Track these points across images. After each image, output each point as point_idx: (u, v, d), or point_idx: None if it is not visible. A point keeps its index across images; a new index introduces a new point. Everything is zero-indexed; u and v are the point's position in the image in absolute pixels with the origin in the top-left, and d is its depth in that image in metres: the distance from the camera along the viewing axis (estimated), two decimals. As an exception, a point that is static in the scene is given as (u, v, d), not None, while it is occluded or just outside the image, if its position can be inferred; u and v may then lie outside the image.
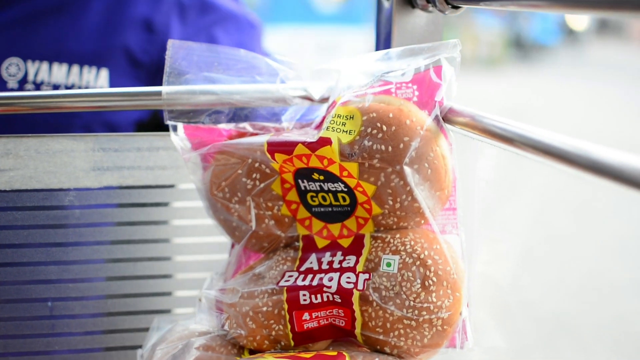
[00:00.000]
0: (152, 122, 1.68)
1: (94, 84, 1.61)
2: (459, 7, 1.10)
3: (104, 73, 1.61)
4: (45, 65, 1.58)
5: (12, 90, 1.58)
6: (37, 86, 1.59)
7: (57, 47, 1.61)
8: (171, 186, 1.27)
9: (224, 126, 1.15)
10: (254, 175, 1.09)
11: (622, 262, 4.93)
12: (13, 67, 1.57)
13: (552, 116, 10.75)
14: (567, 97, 12.55)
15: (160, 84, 1.12)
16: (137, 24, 1.65)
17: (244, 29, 1.77)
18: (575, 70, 16.12)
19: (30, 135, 1.21)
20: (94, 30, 1.62)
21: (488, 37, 17.88)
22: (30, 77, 1.58)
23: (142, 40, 1.64)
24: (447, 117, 1.05)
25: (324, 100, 1.15)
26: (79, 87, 1.60)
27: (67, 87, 1.60)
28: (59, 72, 1.58)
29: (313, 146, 1.02)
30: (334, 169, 1.03)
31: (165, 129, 1.15)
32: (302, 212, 1.09)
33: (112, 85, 1.62)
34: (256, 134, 1.12)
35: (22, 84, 1.59)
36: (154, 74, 1.65)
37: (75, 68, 1.59)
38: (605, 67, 17.76)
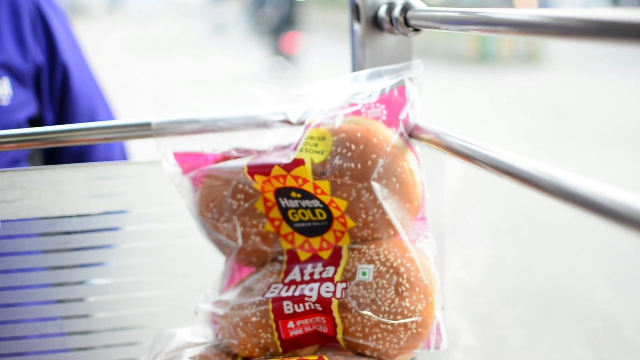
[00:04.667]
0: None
1: (1, 91, 1.75)
2: (420, 30, 1.17)
3: (6, 82, 1.76)
4: None
5: None
6: None
7: None
8: (165, 209, 1.34)
9: (210, 151, 1.23)
10: (238, 196, 1.17)
11: (589, 261, 5.01)
12: None
13: (594, 114, 10.46)
14: (613, 92, 12.15)
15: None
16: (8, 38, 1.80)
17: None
18: (612, 64, 15.62)
19: (32, 167, 1.30)
20: None
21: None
22: None
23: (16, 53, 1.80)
24: (413, 134, 1.12)
25: (301, 123, 1.22)
26: None
27: None
28: None
29: (288, 167, 1.10)
30: (309, 187, 1.10)
31: None
32: (285, 228, 1.17)
33: (13, 87, 1.77)
34: (239, 157, 1.20)
35: None
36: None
37: None
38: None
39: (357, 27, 1.25)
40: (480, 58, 16.29)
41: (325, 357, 1.09)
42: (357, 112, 1.14)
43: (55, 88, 1.87)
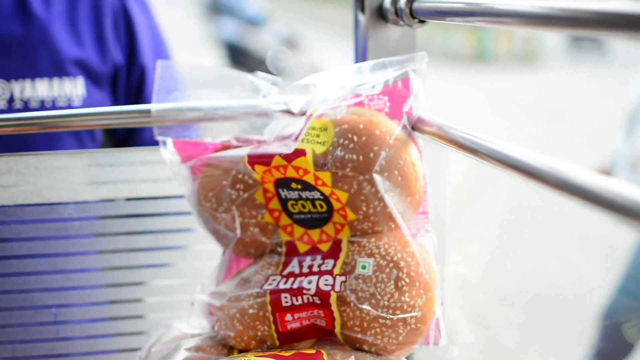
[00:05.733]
0: None
1: (75, 92, 1.70)
2: (425, 21, 1.15)
3: (80, 82, 1.71)
4: (28, 83, 1.66)
5: (1, 110, 1.66)
6: (25, 103, 1.67)
7: (33, 66, 1.68)
8: (164, 197, 1.33)
9: (210, 140, 1.21)
10: (237, 186, 1.15)
11: (590, 257, 5.00)
12: None
13: (591, 114, 10.43)
14: (611, 93, 12.10)
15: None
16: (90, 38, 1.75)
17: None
18: (608, 64, 15.65)
19: (30, 153, 1.28)
20: (61, 45, 1.71)
21: (523, 33, 17.66)
22: (17, 95, 1.66)
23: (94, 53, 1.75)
24: (416, 127, 1.11)
25: (303, 113, 1.21)
26: (64, 98, 1.69)
27: (53, 100, 1.69)
28: (41, 86, 1.67)
29: (289, 157, 1.09)
30: (309, 179, 1.09)
31: None
32: (284, 219, 1.16)
33: (88, 89, 1.72)
34: (240, 147, 1.19)
35: (10, 102, 1.67)
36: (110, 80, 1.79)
37: (55, 81, 1.67)
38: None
39: (362, 17, 1.24)
40: (477, 57, 16.28)
41: (322, 351, 1.07)
42: (360, 104, 1.12)
43: (130, 90, 1.83)
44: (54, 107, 1.68)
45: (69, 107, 1.69)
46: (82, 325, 1.35)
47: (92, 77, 1.73)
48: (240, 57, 10.22)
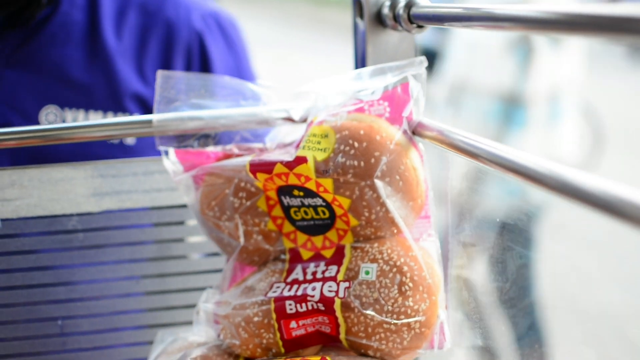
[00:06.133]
0: None
1: None
2: (424, 27, 1.16)
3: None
4: (82, 114, 1.61)
5: None
6: None
7: (91, 97, 1.64)
8: (168, 207, 1.34)
9: (212, 149, 1.22)
10: (240, 194, 1.16)
11: (595, 256, 5.00)
12: (51, 115, 1.60)
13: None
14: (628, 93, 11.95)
15: None
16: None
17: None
18: None
19: (32, 166, 1.29)
20: (123, 79, 1.66)
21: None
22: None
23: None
24: (416, 131, 1.11)
25: (304, 120, 1.21)
26: None
27: None
28: (94, 119, 1.61)
29: (290, 165, 1.09)
30: (311, 185, 1.09)
31: None
32: (287, 227, 1.16)
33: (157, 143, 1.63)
34: (242, 155, 1.19)
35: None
36: None
37: (110, 115, 1.62)
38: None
39: (360, 23, 1.24)
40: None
41: (328, 358, 1.08)
42: (360, 110, 1.12)
43: None
44: (103, 144, 1.61)
45: (121, 144, 1.62)
46: (88, 337, 1.36)
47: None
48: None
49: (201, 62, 1.71)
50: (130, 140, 1.62)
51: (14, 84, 1.62)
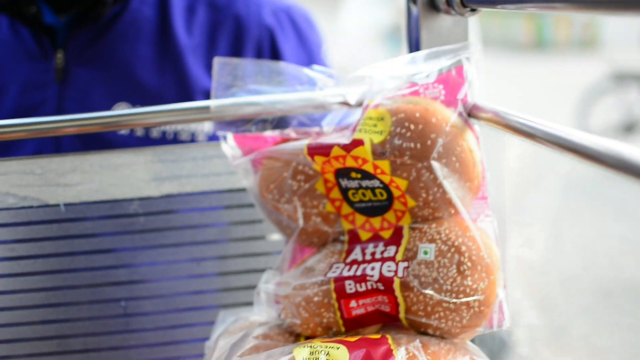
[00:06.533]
0: None
1: (200, 127, 1.64)
2: (477, 10, 1.17)
3: None
4: None
5: (122, 135, 1.62)
6: (147, 131, 1.62)
7: (161, 94, 1.65)
8: (227, 191, 1.36)
9: (269, 133, 1.24)
10: (298, 177, 1.18)
11: None
12: None
13: None
14: None
15: None
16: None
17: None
18: None
19: (93, 152, 1.32)
20: (193, 76, 1.67)
21: (582, 18, 17.38)
22: None
23: None
24: (471, 113, 1.12)
25: (359, 104, 1.23)
26: (187, 132, 1.63)
27: (175, 132, 1.63)
28: None
29: (347, 147, 1.11)
30: (368, 168, 1.11)
31: None
32: (346, 208, 1.18)
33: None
34: (299, 139, 1.21)
35: (132, 129, 1.62)
36: None
37: None
38: None
39: (414, 8, 1.26)
40: (537, 45, 16.10)
41: (387, 335, 1.10)
42: (415, 93, 1.14)
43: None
44: (175, 140, 1.63)
45: (192, 141, 1.63)
46: (151, 317, 1.39)
47: None
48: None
49: (272, 59, 1.71)
50: (200, 137, 1.64)
51: (85, 82, 1.64)
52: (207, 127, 1.64)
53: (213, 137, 1.63)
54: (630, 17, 0.77)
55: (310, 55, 1.77)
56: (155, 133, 1.62)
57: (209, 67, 1.67)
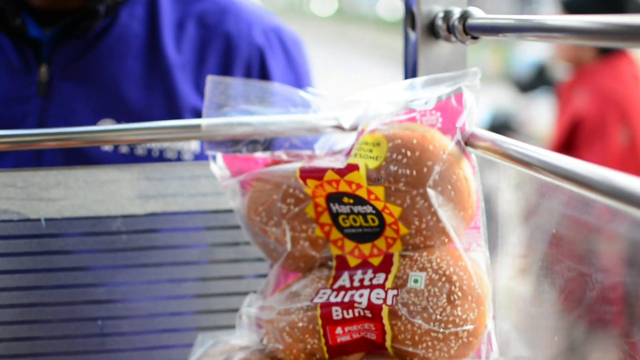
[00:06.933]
0: None
1: (187, 146, 1.60)
2: (478, 38, 1.17)
3: None
4: None
5: (106, 151, 1.58)
6: (132, 148, 1.58)
7: (148, 111, 1.62)
8: (213, 212, 1.34)
9: (260, 154, 1.22)
10: (288, 200, 1.16)
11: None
12: None
13: None
14: None
15: None
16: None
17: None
18: None
19: (78, 166, 1.29)
20: (182, 93, 1.64)
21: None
22: None
23: None
24: (469, 142, 1.11)
25: (354, 129, 1.22)
26: (172, 150, 1.59)
27: (160, 150, 1.59)
28: None
29: (342, 172, 1.10)
30: (362, 193, 1.10)
31: None
32: (335, 234, 1.16)
33: (202, 147, 1.58)
34: (290, 161, 1.19)
35: (116, 145, 1.58)
36: None
37: None
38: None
39: (412, 34, 1.25)
40: (505, 76, 16.25)
41: None
42: (413, 119, 1.13)
43: None
44: (161, 158, 1.58)
45: (178, 159, 1.59)
46: (128, 338, 1.36)
47: None
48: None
49: (261, 78, 1.68)
50: (187, 156, 1.60)
51: (69, 97, 1.61)
52: (193, 145, 1.61)
53: (200, 157, 1.60)
54: (628, 47, 0.77)
55: (297, 77, 1.75)
56: (140, 150, 1.58)
57: (197, 85, 1.64)
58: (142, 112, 1.61)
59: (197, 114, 1.60)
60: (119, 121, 1.59)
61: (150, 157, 1.58)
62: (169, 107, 1.63)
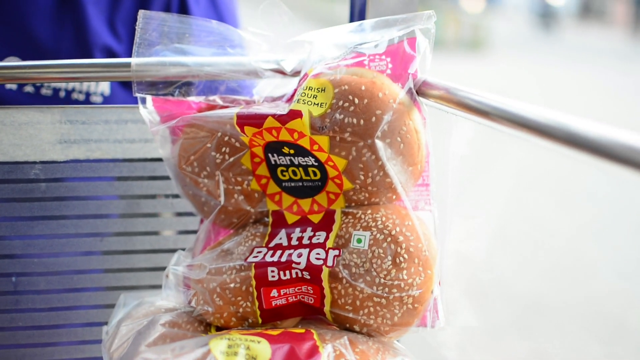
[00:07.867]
0: None
1: (97, 88, 1.52)
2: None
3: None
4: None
5: (10, 89, 1.50)
6: (37, 88, 1.50)
7: (56, 48, 1.52)
8: (141, 160, 1.24)
9: (193, 99, 1.12)
10: (223, 149, 1.06)
11: (597, 241, 4.95)
12: None
13: (533, 101, 10.65)
14: (547, 81, 12.48)
15: None
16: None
17: None
18: (554, 54, 16.15)
19: None
20: (92, 30, 1.54)
21: (470, 19, 17.81)
22: None
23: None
24: (421, 90, 1.03)
25: (296, 73, 1.13)
26: (80, 92, 1.50)
27: (67, 91, 1.50)
28: None
29: (283, 119, 1.00)
30: (305, 143, 1.00)
31: None
32: (272, 187, 1.07)
33: (113, 88, 1.53)
34: (226, 107, 1.10)
35: (21, 85, 1.50)
36: None
37: None
38: (586, 51, 17.81)
39: (362, -26, 1.16)
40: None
41: (312, 330, 0.99)
42: (360, 64, 1.03)
43: None
44: (68, 100, 1.49)
45: (87, 102, 1.50)
46: (44, 296, 1.26)
47: None
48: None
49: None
50: (95, 98, 1.51)
51: None
52: (102, 86, 1.52)
53: (110, 99, 1.52)
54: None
55: (221, 18, 1.66)
56: (45, 90, 1.49)
57: (111, 22, 1.55)
58: (49, 48, 1.51)
59: (110, 52, 1.51)
60: (24, 59, 1.46)
61: (57, 98, 1.48)
62: (78, 43, 1.53)
